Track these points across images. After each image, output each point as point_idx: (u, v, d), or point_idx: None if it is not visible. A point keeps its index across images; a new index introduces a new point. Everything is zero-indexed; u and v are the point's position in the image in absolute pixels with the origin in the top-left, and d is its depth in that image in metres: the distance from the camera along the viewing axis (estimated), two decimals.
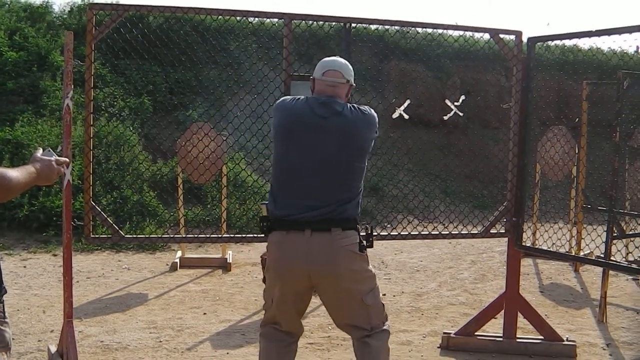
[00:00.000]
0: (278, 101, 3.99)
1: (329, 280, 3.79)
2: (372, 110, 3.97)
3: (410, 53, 13.81)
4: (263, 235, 3.98)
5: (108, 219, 5.23)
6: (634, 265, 6.91)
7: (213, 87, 13.14)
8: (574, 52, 17.48)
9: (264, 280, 4.07)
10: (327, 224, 3.74)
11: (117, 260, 9.53)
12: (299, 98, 3.94)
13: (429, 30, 5.76)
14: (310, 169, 3.76)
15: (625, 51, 16.63)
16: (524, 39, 5.76)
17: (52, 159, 3.02)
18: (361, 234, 3.89)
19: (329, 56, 4.05)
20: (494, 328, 6.15)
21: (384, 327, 3.98)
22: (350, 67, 4.01)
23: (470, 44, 8.40)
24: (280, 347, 4.02)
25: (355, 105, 3.93)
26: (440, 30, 5.80)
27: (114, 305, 7.20)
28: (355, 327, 3.92)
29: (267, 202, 3.91)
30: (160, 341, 6.02)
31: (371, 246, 3.98)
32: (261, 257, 3.93)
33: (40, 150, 3.07)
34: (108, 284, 8.14)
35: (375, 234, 4.01)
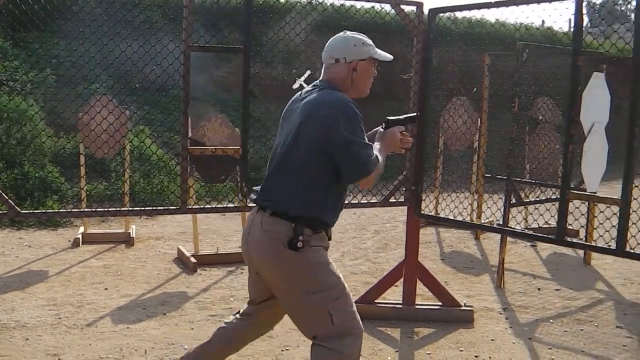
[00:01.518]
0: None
1: (256, 265, 3.51)
2: (347, 106, 3.37)
3: (318, 26, 13.81)
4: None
5: (3, 194, 5.08)
6: (527, 231, 7.10)
7: (118, 61, 12.88)
8: (480, 25, 17.82)
9: None
10: (265, 206, 3.44)
11: (18, 237, 9.28)
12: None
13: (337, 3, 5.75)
14: (274, 154, 3.55)
15: (532, 24, 17.00)
16: (425, 10, 5.84)
17: None
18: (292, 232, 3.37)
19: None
20: (394, 296, 6.25)
21: (333, 347, 3.36)
22: (345, 41, 3.53)
23: (372, 15, 8.41)
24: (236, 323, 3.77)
25: (331, 94, 3.44)
26: (348, 3, 5.83)
27: (13, 284, 7.01)
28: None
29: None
30: (60, 318, 5.91)
31: (295, 249, 3.32)
32: None
33: None
34: (7, 262, 7.92)
35: (301, 238, 3.32)
